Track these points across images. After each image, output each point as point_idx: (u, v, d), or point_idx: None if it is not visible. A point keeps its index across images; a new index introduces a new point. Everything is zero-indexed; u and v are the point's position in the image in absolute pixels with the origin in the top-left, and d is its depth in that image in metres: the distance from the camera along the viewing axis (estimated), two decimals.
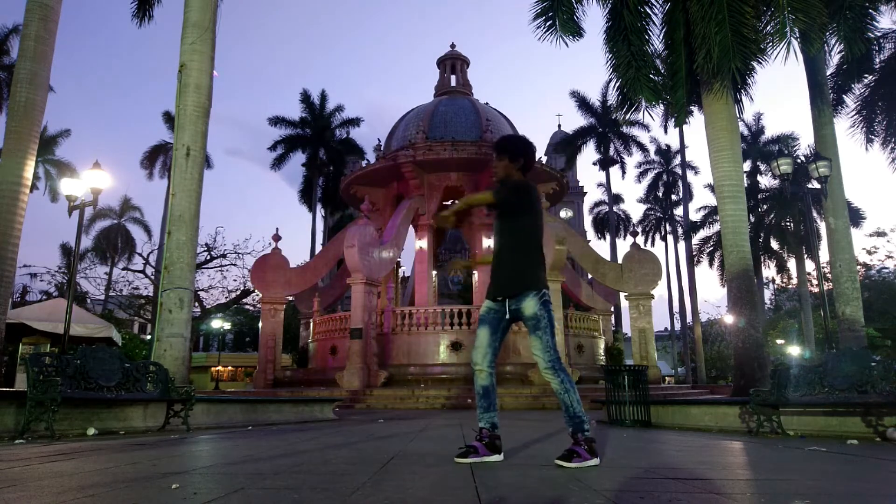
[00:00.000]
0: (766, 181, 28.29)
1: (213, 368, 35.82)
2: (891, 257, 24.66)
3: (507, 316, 3.27)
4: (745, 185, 12.19)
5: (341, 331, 17.43)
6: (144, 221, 36.15)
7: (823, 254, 17.51)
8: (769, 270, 29.33)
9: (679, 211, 35.37)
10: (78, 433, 5.53)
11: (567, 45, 11.57)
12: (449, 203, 22.05)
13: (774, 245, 27.70)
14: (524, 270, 3.23)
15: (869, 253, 25.29)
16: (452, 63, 24.40)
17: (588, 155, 67.64)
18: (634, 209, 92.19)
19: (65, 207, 11.34)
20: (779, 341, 31.48)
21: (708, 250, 29.72)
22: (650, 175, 36.96)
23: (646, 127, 33.05)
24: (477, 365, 3.30)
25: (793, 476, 3.04)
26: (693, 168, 35.71)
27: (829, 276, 14.88)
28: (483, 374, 3.29)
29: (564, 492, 2.36)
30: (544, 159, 24.21)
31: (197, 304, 25.60)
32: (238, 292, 28.89)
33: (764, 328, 15.96)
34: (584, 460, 3.04)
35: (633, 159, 36.33)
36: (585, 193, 55.70)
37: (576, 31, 11.48)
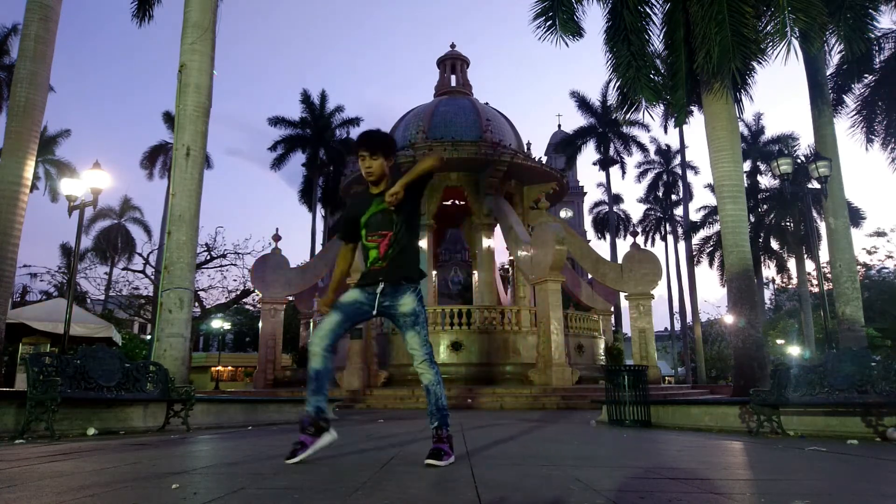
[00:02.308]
0: (766, 181, 28.34)
1: (213, 368, 35.79)
2: (891, 257, 24.68)
3: (374, 311, 3.20)
4: (745, 185, 12.19)
5: None
6: (144, 221, 36.19)
7: (823, 254, 17.52)
8: (769, 270, 29.36)
9: (679, 211, 35.40)
10: (78, 433, 5.53)
11: (567, 45, 11.58)
12: (448, 203, 22.09)
13: (774, 245, 27.71)
14: (411, 265, 3.21)
15: (869, 253, 25.31)
16: (452, 63, 24.41)
17: (588, 155, 67.57)
18: (634, 209, 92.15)
19: (65, 207, 11.34)
20: (779, 341, 31.48)
21: (708, 250, 29.74)
22: (650, 175, 36.99)
23: (646, 127, 33.10)
24: (313, 345, 3.15)
25: (793, 476, 3.04)
26: (693, 168, 35.76)
27: (829, 276, 14.87)
28: (317, 358, 3.14)
29: (564, 492, 2.36)
30: (544, 159, 24.24)
31: (197, 304, 25.60)
32: (238, 292, 28.88)
33: (764, 328, 15.96)
34: (450, 458, 3.10)
35: (633, 159, 36.39)
36: (585, 193, 55.74)
37: (576, 31, 11.48)
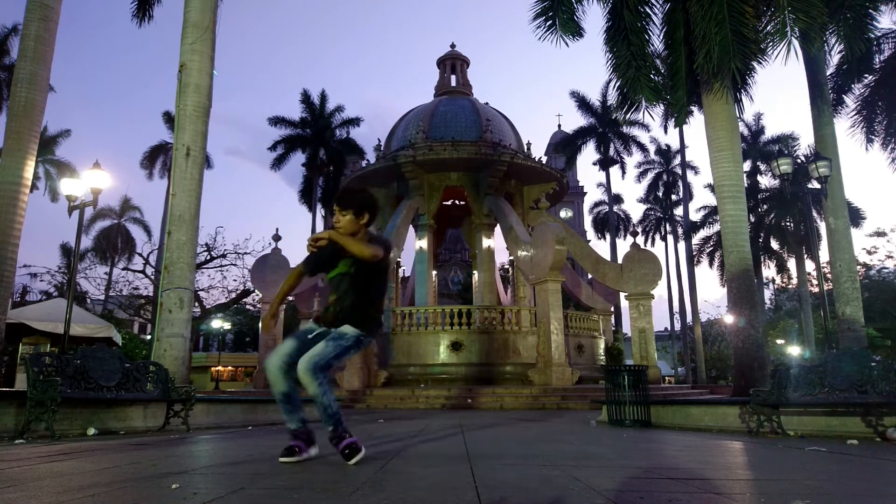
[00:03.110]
0: (766, 181, 28.30)
1: (213, 368, 35.77)
2: (891, 257, 24.65)
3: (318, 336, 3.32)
4: (745, 185, 12.18)
5: None
6: (144, 221, 36.18)
7: (823, 254, 17.50)
8: (769, 270, 29.34)
9: (679, 211, 35.36)
10: (78, 433, 5.53)
11: (567, 45, 11.57)
12: (448, 203, 22.09)
13: (774, 245, 27.70)
14: (352, 312, 3.28)
15: (869, 253, 25.28)
16: (452, 63, 24.41)
17: (588, 155, 67.57)
18: (634, 209, 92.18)
19: (65, 207, 11.33)
20: (779, 341, 31.46)
21: (708, 250, 29.72)
22: (650, 175, 36.96)
23: (646, 127, 33.04)
24: (270, 373, 3.23)
25: (793, 476, 3.04)
26: (693, 168, 35.70)
27: (829, 276, 14.87)
28: (280, 382, 3.23)
29: (564, 492, 2.36)
30: (544, 159, 24.23)
31: (197, 304, 25.60)
32: (238, 292, 28.90)
33: (764, 328, 15.96)
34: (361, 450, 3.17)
35: (633, 159, 36.34)
36: (585, 193, 55.74)
37: (576, 30, 11.47)
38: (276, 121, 32.66)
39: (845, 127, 14.68)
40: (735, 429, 6.34)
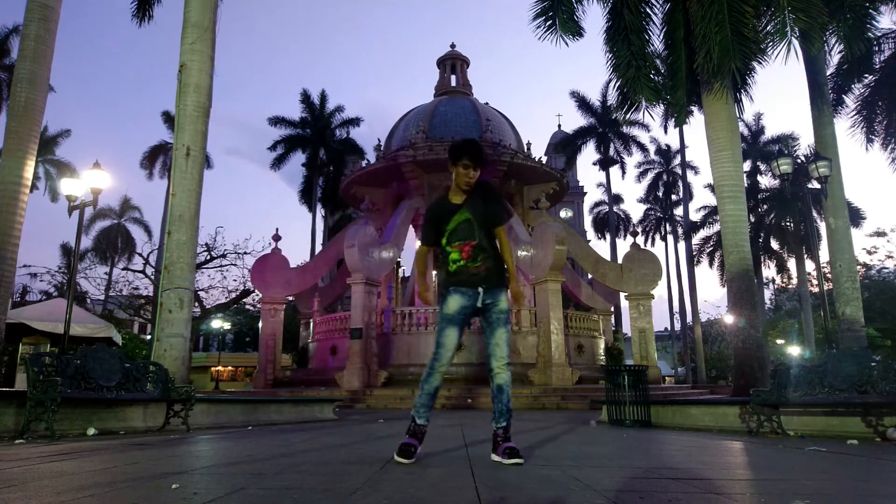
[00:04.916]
0: (766, 181, 28.29)
1: (213, 368, 35.77)
2: (891, 257, 24.63)
3: (473, 311, 3.34)
4: (745, 185, 12.18)
5: (341, 331, 17.42)
6: (144, 221, 36.15)
7: (823, 254, 17.50)
8: (769, 270, 29.32)
9: (679, 211, 35.36)
10: (78, 433, 5.53)
11: (567, 44, 11.58)
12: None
13: (774, 245, 27.69)
14: (502, 269, 3.37)
15: (869, 253, 25.25)
16: (452, 63, 24.41)
17: (588, 155, 67.45)
18: (634, 209, 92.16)
19: (65, 207, 11.33)
20: (779, 341, 31.44)
21: (708, 250, 29.71)
22: (650, 175, 36.95)
23: (646, 127, 33.02)
24: (443, 365, 3.34)
25: (793, 476, 3.04)
26: (693, 168, 35.69)
27: (829, 276, 14.86)
28: (440, 377, 3.37)
29: (564, 492, 2.36)
30: (544, 159, 24.24)
31: (197, 304, 25.60)
32: (238, 292, 28.90)
33: (764, 328, 15.94)
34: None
35: (633, 159, 36.33)
36: (585, 193, 55.71)
37: (576, 30, 11.48)
38: (276, 121, 32.66)
39: (845, 127, 14.68)
40: (735, 429, 6.34)
